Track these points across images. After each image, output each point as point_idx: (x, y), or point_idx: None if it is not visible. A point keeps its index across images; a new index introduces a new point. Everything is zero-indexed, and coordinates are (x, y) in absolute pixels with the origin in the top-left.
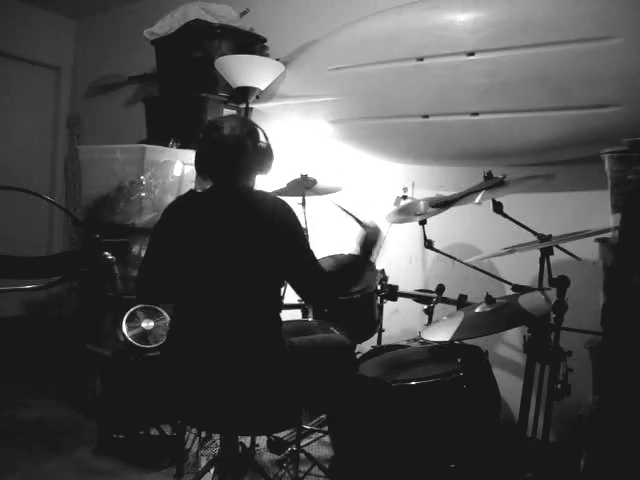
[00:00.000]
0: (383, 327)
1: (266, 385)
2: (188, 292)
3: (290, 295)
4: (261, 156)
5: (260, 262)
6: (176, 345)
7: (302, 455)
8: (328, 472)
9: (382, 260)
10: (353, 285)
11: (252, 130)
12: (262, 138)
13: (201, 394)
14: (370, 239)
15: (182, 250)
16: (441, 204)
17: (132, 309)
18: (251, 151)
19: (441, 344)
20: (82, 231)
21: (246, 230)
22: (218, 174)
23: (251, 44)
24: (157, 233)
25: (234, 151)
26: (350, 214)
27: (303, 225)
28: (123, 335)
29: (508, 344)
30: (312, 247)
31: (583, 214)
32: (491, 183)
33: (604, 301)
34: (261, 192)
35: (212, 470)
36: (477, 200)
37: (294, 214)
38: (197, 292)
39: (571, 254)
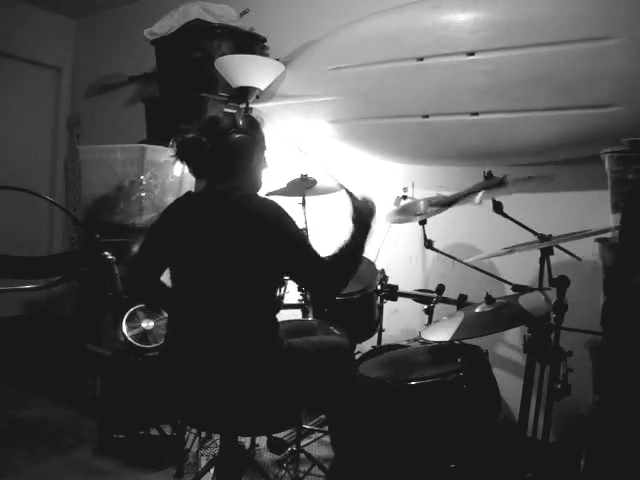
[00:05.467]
0: (383, 327)
1: (264, 386)
2: (183, 294)
3: (290, 295)
4: (256, 153)
5: (253, 264)
6: (174, 346)
7: (302, 455)
8: (328, 472)
9: (382, 260)
10: (357, 264)
11: (247, 129)
12: (258, 135)
13: (200, 395)
14: (363, 212)
15: (175, 252)
16: (441, 204)
17: (132, 309)
18: (247, 151)
19: (441, 344)
20: (82, 231)
21: (236, 233)
22: (212, 176)
23: (251, 44)
24: (152, 233)
25: (228, 153)
26: (343, 187)
27: (301, 224)
28: (123, 335)
29: (508, 344)
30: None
31: (583, 214)
32: (491, 183)
33: (604, 301)
34: (253, 194)
35: (212, 470)
36: (477, 200)
37: (287, 214)
38: (192, 294)
39: (571, 254)
